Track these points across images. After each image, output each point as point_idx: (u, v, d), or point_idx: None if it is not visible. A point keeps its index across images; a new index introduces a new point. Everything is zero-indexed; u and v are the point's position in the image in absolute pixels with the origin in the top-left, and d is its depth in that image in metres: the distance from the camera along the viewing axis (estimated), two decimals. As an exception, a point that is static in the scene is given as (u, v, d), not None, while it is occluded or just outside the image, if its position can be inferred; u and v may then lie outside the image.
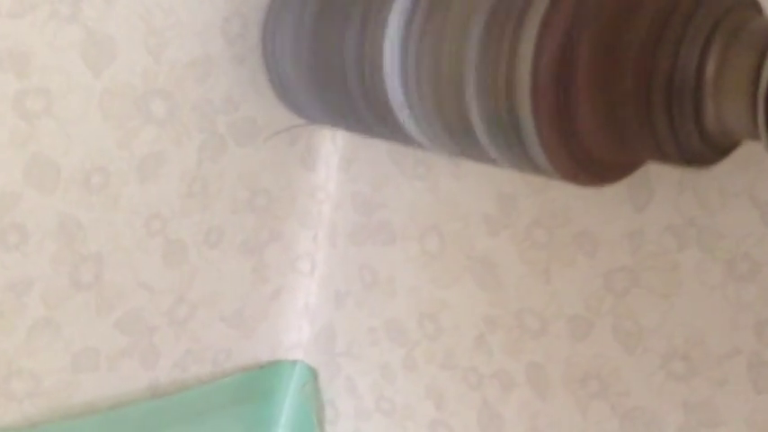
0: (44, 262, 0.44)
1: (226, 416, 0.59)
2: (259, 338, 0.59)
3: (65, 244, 0.45)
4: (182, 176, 0.48)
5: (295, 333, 0.61)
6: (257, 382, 0.60)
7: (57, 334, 0.46)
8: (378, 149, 0.52)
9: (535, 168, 0.32)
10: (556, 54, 0.29)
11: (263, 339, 0.59)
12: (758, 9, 0.29)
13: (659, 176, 0.40)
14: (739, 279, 0.39)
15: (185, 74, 0.46)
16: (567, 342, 0.46)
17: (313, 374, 0.61)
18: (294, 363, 0.61)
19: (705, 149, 0.29)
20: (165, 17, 0.44)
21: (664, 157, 0.30)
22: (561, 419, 0.47)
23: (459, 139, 0.35)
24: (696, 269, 0.40)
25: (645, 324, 0.42)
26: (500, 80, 0.31)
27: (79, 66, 0.42)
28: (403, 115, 0.36)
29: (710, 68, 0.27)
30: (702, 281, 0.40)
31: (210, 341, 0.55)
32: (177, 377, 0.54)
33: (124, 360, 0.50)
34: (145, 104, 0.45)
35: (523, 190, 0.46)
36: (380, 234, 0.55)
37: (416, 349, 0.53)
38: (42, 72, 0.41)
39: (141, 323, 0.50)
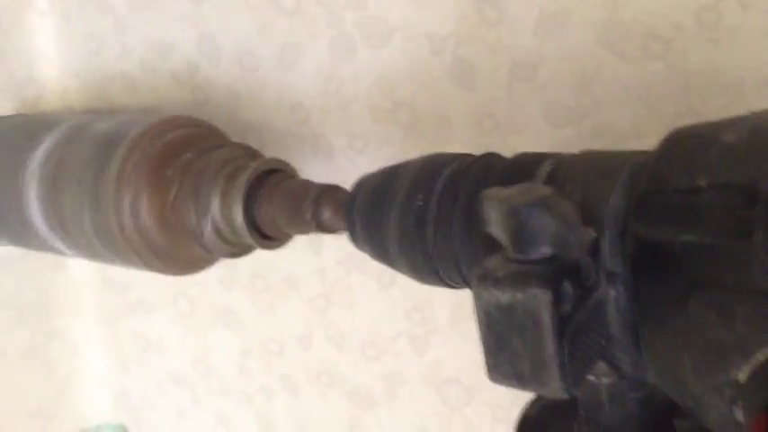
0: None
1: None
2: (64, 418, 0.68)
3: None
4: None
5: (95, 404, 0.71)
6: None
7: None
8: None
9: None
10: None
11: (68, 417, 0.69)
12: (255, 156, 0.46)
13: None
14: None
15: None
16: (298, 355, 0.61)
17: (124, 429, 0.72)
18: (98, 427, 0.72)
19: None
20: None
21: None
22: None
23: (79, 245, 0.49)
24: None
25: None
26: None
27: None
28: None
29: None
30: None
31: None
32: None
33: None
34: None
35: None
36: (141, 306, 0.66)
37: (197, 388, 0.66)
38: None
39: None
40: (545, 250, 0.24)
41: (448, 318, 0.52)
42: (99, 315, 0.68)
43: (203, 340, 0.64)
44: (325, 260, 0.56)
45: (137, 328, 0.67)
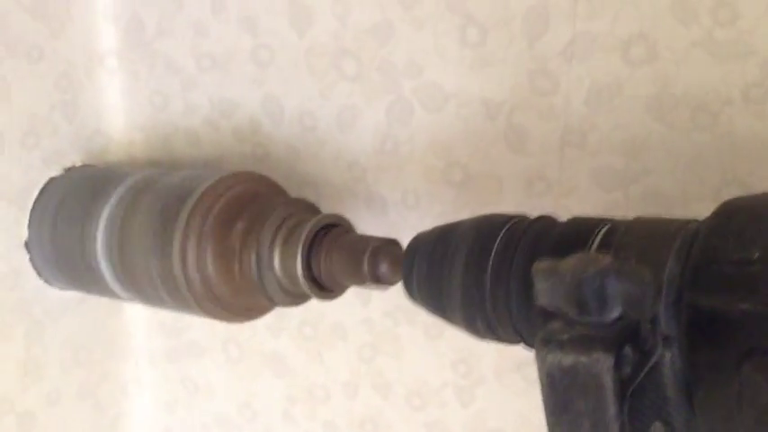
0: None
1: None
2: None
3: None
4: None
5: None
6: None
7: None
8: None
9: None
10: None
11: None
12: (314, 211, 0.48)
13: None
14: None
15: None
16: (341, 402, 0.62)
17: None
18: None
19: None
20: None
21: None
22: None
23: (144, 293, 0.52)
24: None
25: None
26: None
27: None
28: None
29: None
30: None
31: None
32: None
33: None
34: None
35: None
36: (191, 350, 0.68)
37: None
38: None
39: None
40: (616, 313, 0.26)
41: (493, 370, 0.54)
42: (150, 358, 0.70)
43: (250, 385, 0.66)
44: (373, 311, 0.58)
45: (186, 372, 0.69)
